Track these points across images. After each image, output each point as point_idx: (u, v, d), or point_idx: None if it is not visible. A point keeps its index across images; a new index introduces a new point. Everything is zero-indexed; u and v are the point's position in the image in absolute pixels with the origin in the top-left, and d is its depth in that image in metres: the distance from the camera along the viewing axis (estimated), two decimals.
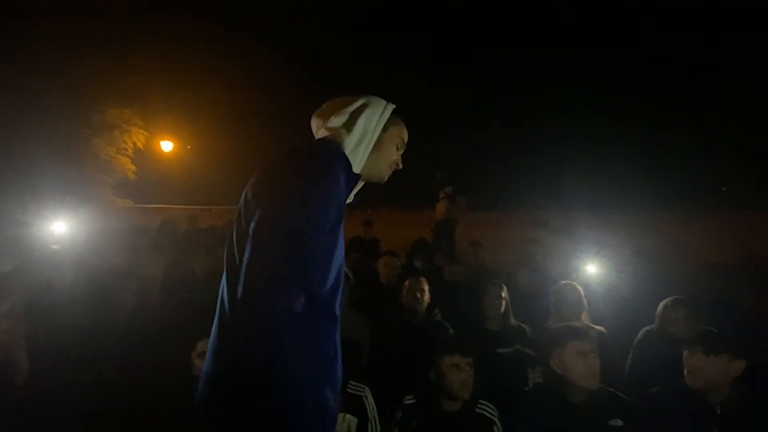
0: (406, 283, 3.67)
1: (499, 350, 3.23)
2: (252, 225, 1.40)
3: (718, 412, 2.31)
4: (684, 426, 2.32)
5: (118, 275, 3.48)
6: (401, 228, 8.73)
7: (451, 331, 3.45)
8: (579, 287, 3.51)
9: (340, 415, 2.48)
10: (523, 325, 3.44)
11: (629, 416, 2.38)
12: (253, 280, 1.35)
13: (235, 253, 1.47)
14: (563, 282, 3.62)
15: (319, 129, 1.64)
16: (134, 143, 21.74)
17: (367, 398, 2.64)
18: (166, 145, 22.43)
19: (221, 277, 1.55)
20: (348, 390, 2.61)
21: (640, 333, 3.27)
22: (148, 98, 21.07)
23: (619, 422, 2.36)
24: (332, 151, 1.54)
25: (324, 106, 1.67)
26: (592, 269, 4.50)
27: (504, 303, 3.43)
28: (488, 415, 2.47)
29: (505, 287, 3.51)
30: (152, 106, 21.41)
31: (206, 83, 21.79)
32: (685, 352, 2.46)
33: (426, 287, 3.62)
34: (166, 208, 13.81)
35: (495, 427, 2.45)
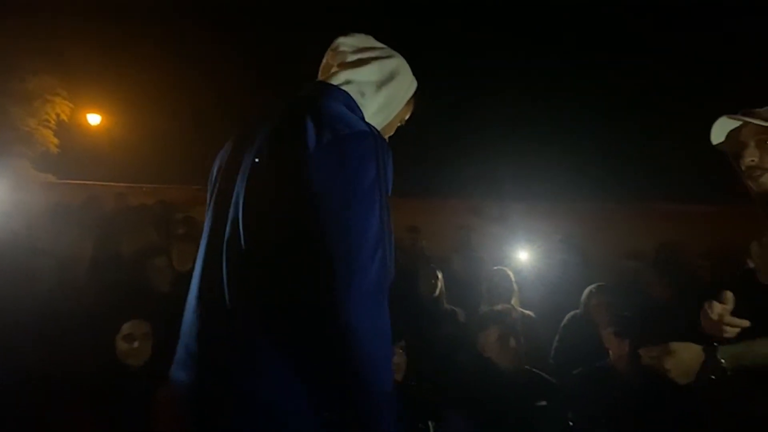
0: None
1: (431, 333, 3.30)
2: (306, 195, 1.13)
3: (633, 385, 2.47)
4: (603, 404, 2.45)
5: (36, 254, 3.27)
6: None
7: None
8: (510, 273, 3.64)
9: None
10: (456, 309, 3.52)
11: (553, 397, 2.50)
12: (336, 269, 1.09)
13: (241, 227, 1.20)
14: (495, 268, 3.74)
15: (338, 69, 1.36)
16: (58, 115, 20.38)
17: None
18: (93, 119, 21.19)
19: (202, 259, 1.29)
20: None
21: (566, 317, 3.43)
22: (75, 67, 19.75)
23: (543, 402, 2.47)
24: (357, 110, 1.30)
25: (353, 42, 1.39)
26: (523, 256, 4.67)
27: (439, 287, 3.50)
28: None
29: (440, 272, 3.58)
30: (79, 76, 20.09)
31: (140, 55, 20.70)
32: (603, 335, 2.62)
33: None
34: (91, 184, 13.09)
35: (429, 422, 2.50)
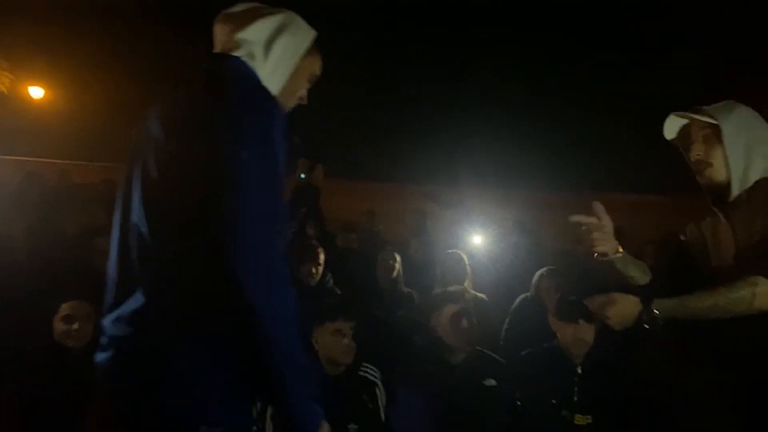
0: (301, 252, 3.61)
1: (388, 314, 3.31)
2: (195, 167, 1.14)
3: (579, 371, 2.55)
4: (549, 384, 2.52)
5: None
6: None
7: (340, 296, 3.48)
8: (464, 256, 3.68)
9: None
10: (411, 291, 3.55)
11: (502, 376, 2.55)
12: (235, 238, 1.09)
13: (142, 205, 1.20)
14: (449, 251, 3.78)
15: (227, 38, 1.35)
16: None
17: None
18: (36, 92, 20.10)
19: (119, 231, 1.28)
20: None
21: (517, 300, 3.50)
22: (17, 38, 18.59)
23: (492, 382, 2.52)
24: (252, 75, 1.30)
25: (238, 9, 1.38)
26: (477, 240, 4.73)
27: (396, 269, 3.52)
28: (371, 377, 2.51)
29: (398, 255, 3.60)
30: (22, 47, 18.95)
31: (88, 26, 19.69)
32: (550, 318, 2.68)
33: (322, 258, 3.59)
34: (33, 160, 12.45)
35: (377, 389, 2.51)
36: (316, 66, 1.46)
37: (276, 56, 1.34)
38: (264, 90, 1.28)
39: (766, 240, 1.44)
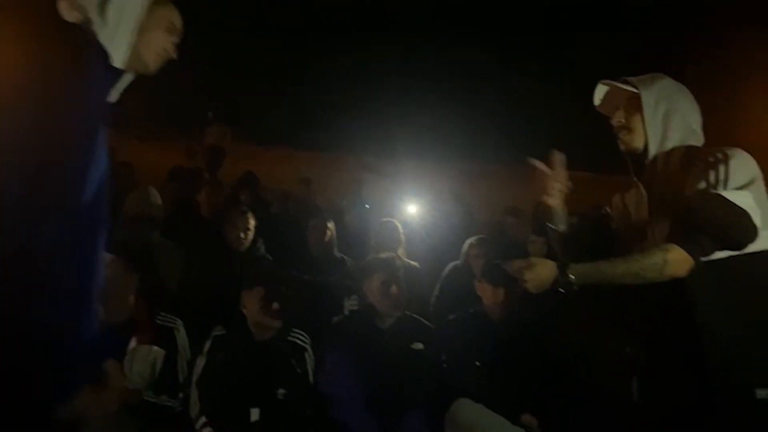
0: (231, 218, 3.53)
1: (319, 280, 3.31)
2: None
3: (503, 330, 2.65)
4: (474, 346, 2.60)
5: None
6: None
7: (271, 262, 3.43)
8: (398, 224, 3.71)
9: (146, 347, 2.35)
10: (344, 257, 3.56)
11: (429, 340, 2.61)
12: None
13: None
14: (384, 219, 3.80)
15: (67, 7, 1.28)
16: None
17: (178, 330, 2.52)
18: None
19: None
20: (158, 321, 2.46)
21: (447, 268, 3.58)
22: None
23: (420, 345, 2.58)
24: (85, 37, 1.24)
25: None
26: (411, 210, 4.79)
27: (329, 235, 3.52)
28: (300, 342, 2.51)
29: (331, 221, 3.59)
30: None
31: None
32: (476, 283, 2.77)
33: (252, 224, 3.52)
34: None
35: (306, 354, 2.51)
36: (171, 16, 1.39)
37: (113, 16, 1.27)
38: (88, 45, 1.21)
39: (678, 207, 1.49)
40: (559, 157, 1.71)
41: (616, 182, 1.87)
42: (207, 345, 2.46)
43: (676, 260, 1.42)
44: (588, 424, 2.36)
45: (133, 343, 2.30)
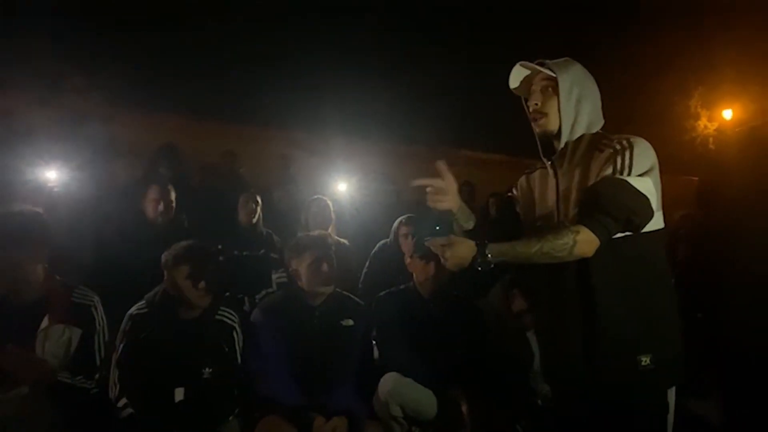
0: (151, 190, 3.38)
1: (246, 253, 3.24)
2: None
3: (431, 306, 2.72)
4: (403, 321, 2.66)
5: None
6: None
7: (196, 237, 3.31)
8: (329, 202, 3.69)
9: (59, 327, 2.20)
10: (270, 232, 3.51)
11: (359, 316, 2.64)
12: None
13: None
14: (314, 197, 3.76)
15: None
16: None
17: (95, 307, 2.36)
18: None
19: None
20: (74, 299, 2.30)
21: (377, 245, 3.61)
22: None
23: (350, 322, 2.60)
24: None
25: None
26: (341, 188, 4.77)
27: (257, 210, 3.46)
28: (228, 321, 2.45)
29: (258, 196, 3.52)
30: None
31: None
32: (407, 259, 2.82)
33: (173, 196, 3.38)
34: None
35: (235, 333, 2.45)
36: None
37: None
38: None
39: (585, 190, 1.57)
40: (442, 167, 1.72)
41: (527, 164, 1.92)
42: (127, 323, 2.34)
43: (584, 241, 1.49)
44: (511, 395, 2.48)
45: (45, 322, 2.16)
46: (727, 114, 15.39)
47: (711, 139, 16.07)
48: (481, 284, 3.05)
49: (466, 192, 5.49)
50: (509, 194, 1.94)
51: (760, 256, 1.58)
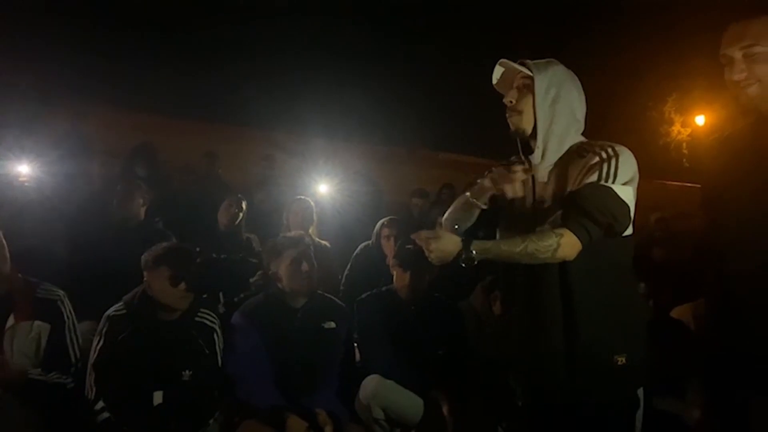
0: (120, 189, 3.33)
1: (225, 256, 3.21)
2: None
3: (412, 308, 2.73)
4: (385, 323, 2.66)
5: None
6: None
7: (175, 239, 3.26)
8: (311, 202, 3.67)
9: (26, 324, 2.16)
10: (251, 237, 3.48)
11: (341, 318, 2.62)
12: None
13: None
14: (297, 197, 3.74)
15: None
16: None
17: (62, 302, 2.30)
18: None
19: None
20: (38, 295, 2.24)
21: (359, 248, 3.60)
22: None
23: (332, 324, 2.58)
24: None
25: None
26: (323, 189, 4.75)
27: (239, 215, 3.43)
28: (209, 323, 2.41)
29: (244, 201, 3.50)
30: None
31: None
32: (390, 262, 2.82)
33: (145, 196, 3.33)
34: None
35: (215, 335, 2.42)
36: None
37: None
38: None
39: (568, 194, 1.59)
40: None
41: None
42: (105, 325, 2.29)
43: (568, 244, 1.51)
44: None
45: (11, 320, 2.11)
46: (700, 120, 15.77)
47: (684, 144, 16.47)
48: (461, 286, 3.07)
49: (447, 194, 5.51)
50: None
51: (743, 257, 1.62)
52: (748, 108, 1.56)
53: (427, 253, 1.55)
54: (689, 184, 9.62)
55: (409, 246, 2.75)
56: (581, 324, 1.58)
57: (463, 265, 1.53)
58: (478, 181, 1.81)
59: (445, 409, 2.45)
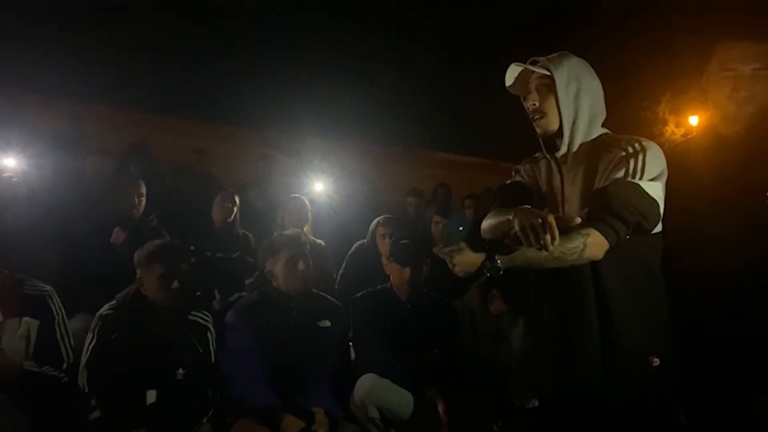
0: (121, 185, 3.29)
1: (220, 255, 3.18)
2: None
3: (408, 307, 2.70)
4: (380, 322, 2.64)
5: None
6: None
7: (169, 237, 3.24)
8: (306, 201, 3.66)
9: (14, 320, 2.14)
10: (247, 233, 3.45)
11: (336, 317, 2.61)
12: None
13: None
14: (292, 195, 3.73)
15: None
16: None
17: (50, 296, 2.28)
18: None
19: None
20: (26, 291, 2.22)
21: (354, 246, 3.59)
22: None
23: (327, 323, 2.57)
24: None
25: None
26: (318, 188, 4.74)
27: (233, 210, 3.40)
28: (202, 321, 2.40)
29: (236, 196, 3.48)
30: None
31: None
32: (384, 260, 2.80)
33: (143, 189, 3.30)
34: None
35: (209, 333, 2.40)
36: None
37: None
38: None
39: (594, 192, 1.53)
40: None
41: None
42: (97, 323, 2.27)
43: (595, 243, 1.46)
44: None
45: None
46: (694, 120, 15.84)
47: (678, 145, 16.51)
48: (457, 284, 3.06)
49: (442, 194, 5.52)
50: (515, 180, 1.83)
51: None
52: (733, 119, 1.62)
53: (451, 266, 1.52)
54: None
55: (404, 241, 2.75)
56: (616, 326, 1.54)
57: (488, 274, 1.48)
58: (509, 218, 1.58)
59: (440, 409, 2.43)
